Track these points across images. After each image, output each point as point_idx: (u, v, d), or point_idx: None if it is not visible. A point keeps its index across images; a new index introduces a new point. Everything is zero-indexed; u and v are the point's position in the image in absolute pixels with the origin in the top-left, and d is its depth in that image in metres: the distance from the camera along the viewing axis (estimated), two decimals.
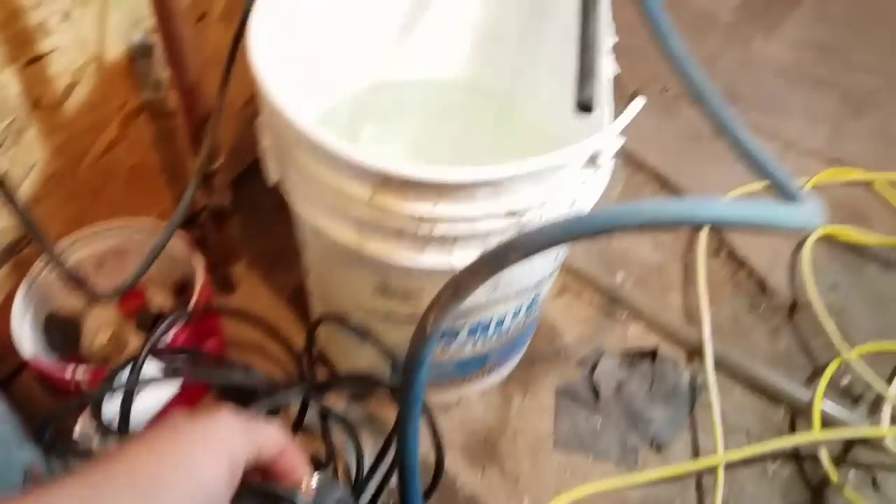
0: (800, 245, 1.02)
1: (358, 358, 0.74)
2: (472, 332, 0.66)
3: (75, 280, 0.52)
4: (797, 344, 0.91)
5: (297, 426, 0.76)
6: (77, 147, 0.68)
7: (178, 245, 0.75)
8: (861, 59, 1.37)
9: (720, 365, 0.86)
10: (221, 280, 0.87)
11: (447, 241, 0.52)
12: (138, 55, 0.68)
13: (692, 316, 0.92)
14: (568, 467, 0.78)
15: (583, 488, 0.75)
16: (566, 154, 0.48)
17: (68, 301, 0.76)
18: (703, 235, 1.01)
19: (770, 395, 0.85)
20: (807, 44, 1.40)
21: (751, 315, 0.94)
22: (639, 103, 0.53)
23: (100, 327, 0.77)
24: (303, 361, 0.76)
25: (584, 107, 0.56)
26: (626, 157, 1.14)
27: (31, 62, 0.58)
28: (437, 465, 0.62)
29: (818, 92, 1.30)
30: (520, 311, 0.68)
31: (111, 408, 0.57)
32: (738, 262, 1.00)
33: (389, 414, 0.79)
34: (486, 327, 0.66)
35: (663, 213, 0.30)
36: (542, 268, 0.63)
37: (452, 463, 0.76)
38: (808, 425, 0.81)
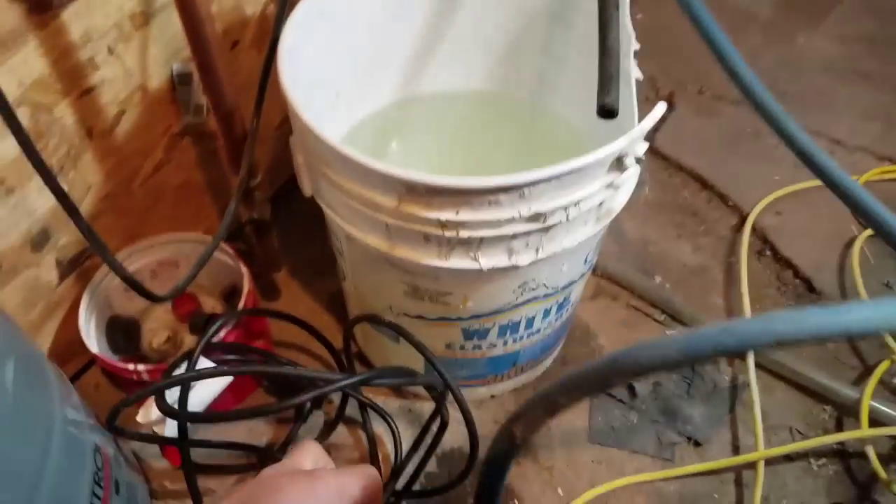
0: (849, 244, 0.99)
1: (393, 357, 0.77)
2: (502, 331, 0.68)
3: (136, 285, 0.56)
4: (845, 344, 0.89)
5: (339, 417, 0.79)
6: (127, 169, 0.73)
7: (225, 256, 0.79)
8: None
9: (763, 364, 0.85)
10: (266, 287, 0.91)
11: (472, 245, 0.54)
12: (179, 83, 0.72)
13: (734, 317, 0.91)
14: (603, 460, 0.78)
15: (617, 481, 0.75)
16: (589, 158, 0.50)
17: (128, 306, 0.82)
18: (746, 236, 0.99)
19: (815, 394, 0.83)
20: (854, 37, 1.37)
21: None
22: (661, 107, 0.54)
23: (157, 329, 0.82)
24: (342, 359, 0.79)
25: (607, 112, 0.57)
26: (664, 160, 1.14)
27: (82, 94, 0.63)
28: (472, 449, 0.64)
29: (867, 87, 1.26)
30: (550, 312, 0.69)
31: (170, 397, 0.62)
32: (783, 263, 0.98)
33: (424, 407, 0.81)
34: (516, 327, 0.68)
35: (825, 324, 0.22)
36: (570, 271, 0.64)
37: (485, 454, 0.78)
38: (856, 425, 0.79)
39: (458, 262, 0.56)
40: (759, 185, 1.07)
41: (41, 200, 0.64)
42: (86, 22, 0.60)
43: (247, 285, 0.75)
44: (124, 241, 0.76)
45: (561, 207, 0.52)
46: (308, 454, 0.39)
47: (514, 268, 0.56)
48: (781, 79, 1.28)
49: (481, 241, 0.54)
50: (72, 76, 0.62)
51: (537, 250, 0.56)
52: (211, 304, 0.86)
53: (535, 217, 0.52)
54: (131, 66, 0.67)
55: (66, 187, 0.64)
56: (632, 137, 0.51)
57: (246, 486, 0.34)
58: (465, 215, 0.51)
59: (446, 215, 0.51)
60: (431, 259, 0.56)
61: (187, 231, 0.80)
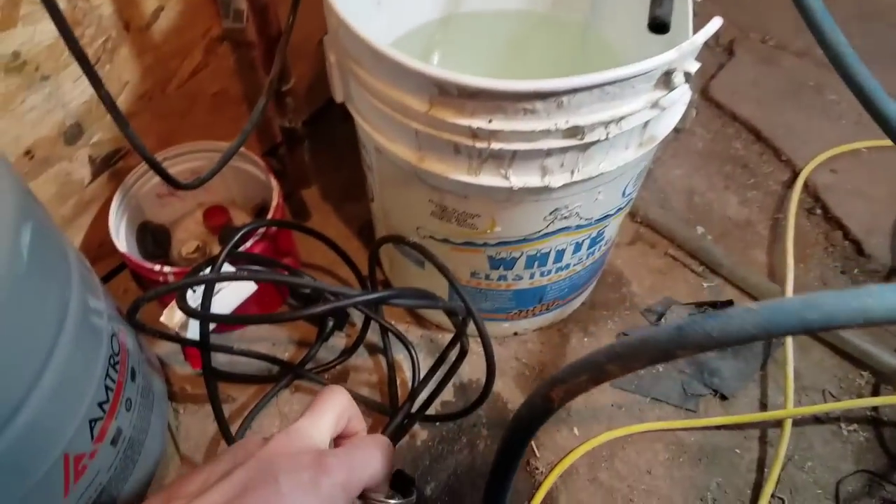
0: None
1: (418, 284, 0.75)
2: (530, 262, 0.66)
3: (162, 171, 0.56)
4: None
5: (360, 340, 0.79)
6: (165, 70, 0.72)
7: (257, 169, 0.78)
8: None
9: None
10: (297, 209, 0.90)
11: (504, 160, 0.52)
12: None
13: (776, 274, 0.87)
14: (623, 405, 0.76)
15: (636, 426, 0.74)
16: (634, 68, 0.46)
17: (159, 213, 0.82)
18: (797, 192, 0.95)
19: (854, 359, 0.79)
20: None
21: (842, 277, 0.88)
22: (717, 22, 0.50)
23: (187, 239, 0.83)
24: (367, 283, 0.79)
25: (659, 26, 0.54)
26: (718, 108, 1.08)
27: None
28: (489, 376, 0.63)
29: None
30: (581, 246, 0.67)
31: (193, 302, 0.62)
32: (833, 222, 0.93)
33: (445, 338, 0.81)
34: (545, 259, 0.66)
35: None
36: (606, 201, 0.61)
37: (505, 389, 0.77)
38: (894, 394, 0.76)
39: (488, 178, 0.53)
40: (816, 140, 1.02)
41: (76, 92, 0.63)
42: None
43: (276, 198, 0.74)
44: (158, 145, 0.76)
45: (601, 123, 0.49)
46: (330, 408, 0.36)
47: (547, 189, 0.54)
48: (854, 33, 1.19)
49: (514, 156, 0.51)
50: None
51: (573, 172, 0.53)
52: (242, 219, 0.86)
53: (573, 132, 0.49)
54: None
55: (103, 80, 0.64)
56: (682, 51, 0.47)
57: (244, 468, 0.31)
58: (499, 124, 0.48)
59: (478, 123, 0.48)
60: (461, 174, 0.54)
61: (221, 141, 0.79)
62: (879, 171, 0.98)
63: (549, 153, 0.51)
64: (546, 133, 0.49)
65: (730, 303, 0.83)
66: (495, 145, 0.50)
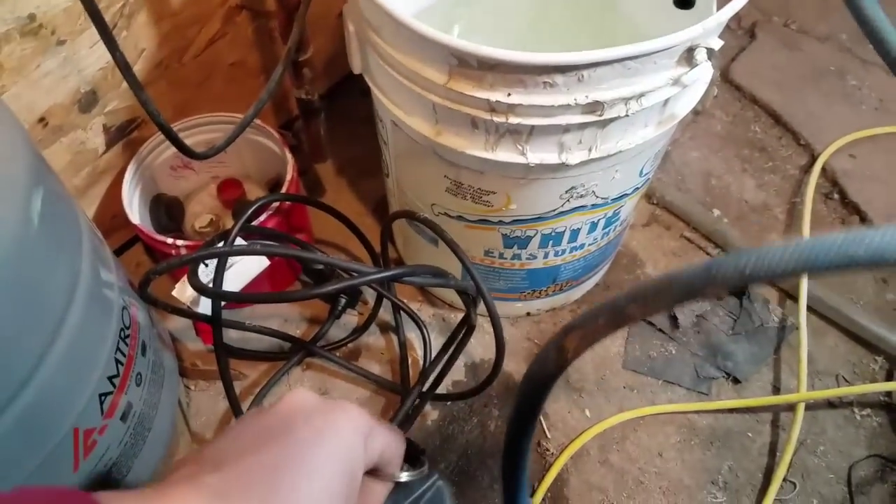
0: None
1: (431, 262, 0.75)
2: (544, 241, 0.65)
3: (176, 140, 0.56)
4: None
5: (372, 318, 0.79)
6: (182, 38, 0.71)
7: (271, 142, 0.78)
8: None
9: (817, 308, 0.81)
10: (311, 184, 0.90)
11: (521, 135, 0.51)
12: None
13: None
14: (635, 387, 0.76)
15: (648, 408, 0.73)
16: (656, 43, 0.45)
17: (173, 186, 0.82)
18: (814, 176, 0.93)
19: (869, 344, 0.79)
20: None
21: None
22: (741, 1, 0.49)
23: (201, 212, 0.82)
24: (380, 260, 0.79)
25: (684, 1, 0.53)
26: (738, 91, 1.07)
27: None
28: (498, 353, 0.63)
29: None
30: (596, 226, 0.66)
31: (205, 277, 0.62)
32: (850, 208, 0.92)
33: (457, 317, 0.80)
34: (559, 239, 0.65)
35: None
36: (624, 180, 0.61)
37: (516, 370, 0.77)
38: None
39: (505, 154, 0.53)
40: (836, 125, 1.00)
41: (92, 58, 0.63)
42: None
43: (290, 172, 0.74)
44: (173, 116, 0.75)
45: (621, 99, 0.48)
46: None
47: (564, 166, 0.53)
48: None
49: (531, 132, 0.51)
50: None
51: (591, 149, 0.52)
52: (256, 193, 0.86)
53: (593, 107, 0.48)
54: None
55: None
56: (706, 27, 0.46)
57: (264, 425, 0.30)
58: (517, 97, 0.47)
59: (497, 96, 0.48)
60: (477, 149, 0.53)
61: (238, 113, 0.79)
62: None
63: (567, 129, 0.50)
64: (565, 108, 0.48)
65: (744, 288, 0.82)
66: (513, 120, 0.49)
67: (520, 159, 0.53)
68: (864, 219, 0.90)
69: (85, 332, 0.45)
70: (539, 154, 0.53)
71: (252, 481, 0.27)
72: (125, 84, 0.65)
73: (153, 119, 0.52)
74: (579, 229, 0.65)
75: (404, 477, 0.35)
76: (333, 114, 0.93)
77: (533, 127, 0.50)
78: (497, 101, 0.48)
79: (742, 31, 1.17)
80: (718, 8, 0.54)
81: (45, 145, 0.64)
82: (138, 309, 0.59)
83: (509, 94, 0.47)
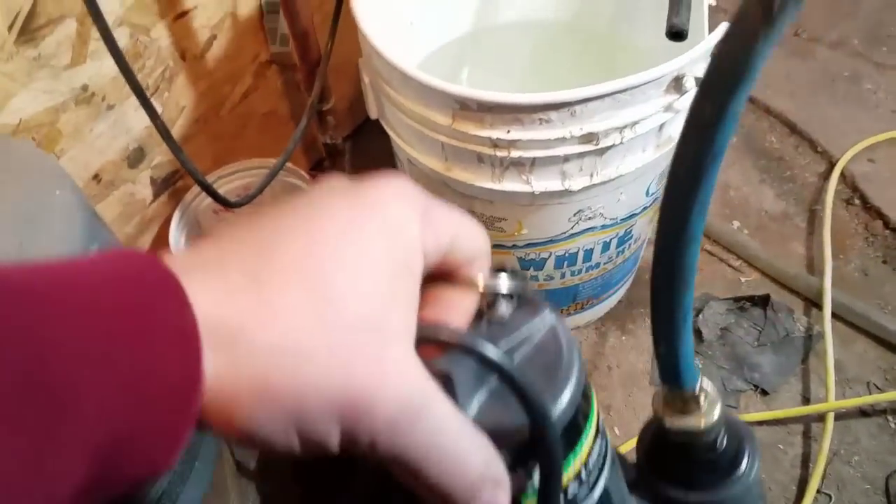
0: None
1: None
2: (559, 262, 0.68)
3: (212, 192, 0.62)
4: None
5: None
6: (218, 94, 0.78)
7: (301, 182, 0.84)
8: None
9: (843, 314, 0.81)
10: None
11: (524, 166, 0.55)
12: (267, 11, 0.76)
13: (815, 267, 0.87)
14: None
15: None
16: (641, 77, 0.49)
17: (216, 227, 0.88)
18: (833, 182, 0.94)
19: None
20: None
21: (884, 267, 0.87)
22: (725, 27, 0.52)
23: None
24: None
25: (676, 34, 0.56)
26: (751, 102, 1.08)
27: (177, 18, 0.68)
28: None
29: None
30: (609, 245, 0.69)
31: None
32: (872, 212, 0.92)
33: None
34: (574, 259, 0.69)
35: None
36: (630, 201, 0.64)
37: None
38: None
39: (511, 184, 0.57)
40: (853, 131, 1.00)
41: (137, 119, 0.70)
42: None
43: None
44: (214, 165, 0.82)
45: (615, 129, 0.52)
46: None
47: (568, 192, 0.57)
48: (889, 21, 1.18)
49: (533, 163, 0.55)
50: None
51: (591, 175, 0.56)
52: None
53: (588, 138, 0.52)
54: None
55: (160, 107, 0.70)
56: (692, 57, 0.50)
57: (295, 198, 0.21)
58: (516, 133, 0.51)
59: (497, 133, 0.52)
60: (485, 181, 0.57)
61: (271, 158, 0.85)
62: None
63: (566, 159, 0.54)
64: (562, 140, 0.52)
65: (767, 298, 0.84)
66: (515, 153, 0.53)
67: (525, 188, 0.56)
68: (886, 223, 0.90)
69: None
70: (543, 182, 0.56)
71: (290, 267, 0.19)
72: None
73: (193, 177, 0.58)
74: (592, 249, 0.69)
75: (500, 287, 0.23)
76: (358, 151, 0.99)
77: (534, 159, 0.54)
78: (498, 138, 0.52)
79: None
80: (710, 31, 0.57)
81: (98, 199, 0.70)
82: None
83: (509, 132, 0.52)
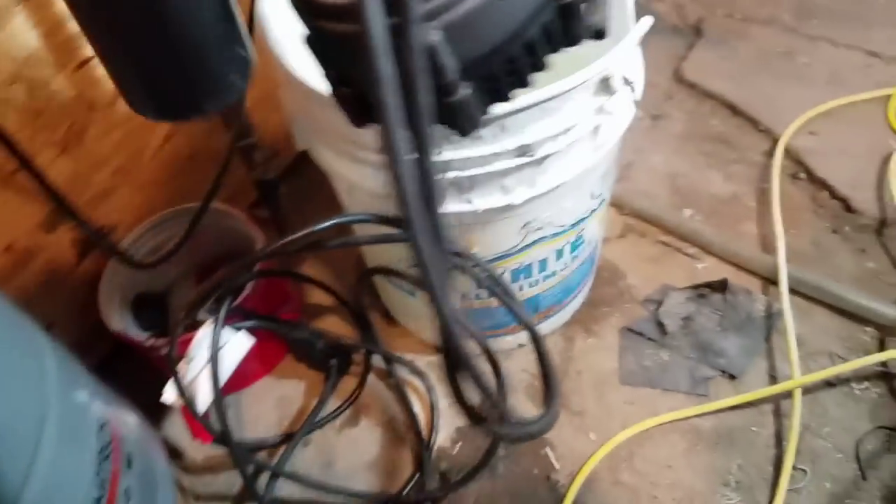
0: (886, 159, 0.93)
1: (413, 312, 0.77)
2: (515, 276, 0.66)
3: (124, 257, 0.58)
4: (888, 262, 0.84)
5: (364, 379, 0.80)
6: (136, 142, 0.74)
7: (240, 223, 0.80)
8: None
9: (799, 289, 0.81)
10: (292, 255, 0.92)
11: (464, 185, 0.53)
12: None
13: (768, 245, 0.87)
14: (635, 401, 0.77)
15: (651, 420, 0.74)
16: (566, 83, 0.47)
17: (154, 283, 0.84)
18: (778, 159, 0.94)
19: (856, 316, 0.79)
20: None
21: (834, 237, 0.87)
22: (647, 21, 0.51)
23: (183, 304, 0.84)
24: (357, 315, 0.80)
25: (595, 33, 0.55)
26: (691, 88, 1.09)
27: (79, 67, 0.64)
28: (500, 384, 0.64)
29: None
30: (563, 252, 0.67)
31: (195, 366, 0.63)
32: (818, 184, 0.93)
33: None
34: (529, 271, 0.67)
35: None
36: (576, 206, 0.62)
37: (518, 403, 0.78)
38: None
39: (453, 204, 0.54)
40: (792, 106, 1.01)
41: (52, 175, 0.65)
42: None
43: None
44: (147, 213, 0.78)
45: (549, 138, 0.50)
46: None
47: (511, 206, 0.55)
48: None
49: (472, 181, 0.52)
50: (65, 48, 0.62)
51: (532, 185, 0.54)
52: None
53: (523, 150, 0.50)
54: None
55: (70, 165, 0.66)
56: (614, 57, 0.48)
57: None
58: (449, 154, 0.49)
59: None
60: None
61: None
62: (857, 126, 0.98)
63: (505, 173, 0.52)
64: (497, 155, 0.50)
65: (724, 282, 0.83)
66: (450, 174, 0.51)
67: (468, 207, 0.54)
68: (832, 193, 0.91)
69: (61, 462, 0.45)
70: (485, 199, 0.54)
71: None
72: (89, 195, 0.68)
73: (101, 247, 0.54)
74: (546, 258, 0.67)
75: None
76: (306, 183, 0.95)
77: (472, 177, 0.52)
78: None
79: (688, 29, 1.19)
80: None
81: (15, 273, 0.65)
82: (121, 420, 0.59)
83: (440, 151, 0.49)
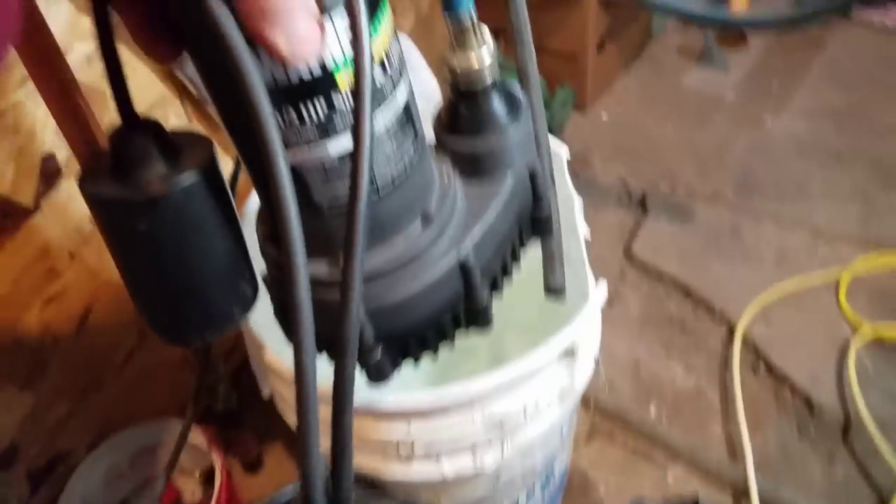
0: (844, 350, 0.95)
1: None
2: None
3: None
4: (856, 471, 0.83)
5: None
6: (99, 364, 0.73)
7: (202, 441, 0.77)
8: (886, 121, 1.30)
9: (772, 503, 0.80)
10: (248, 463, 0.88)
11: (432, 455, 0.52)
12: None
13: (735, 449, 0.87)
14: None
15: None
16: (531, 362, 0.48)
17: (113, 497, 0.79)
18: (737, 350, 0.96)
19: None
20: (822, 112, 1.35)
21: (801, 442, 0.87)
22: (602, 288, 0.52)
23: None
24: None
25: (555, 292, 0.56)
26: (643, 269, 1.11)
27: (47, 303, 0.64)
28: None
29: (842, 166, 1.23)
30: (534, 490, 0.66)
31: None
32: (778, 378, 0.94)
33: None
34: None
35: None
36: (546, 451, 0.62)
37: None
38: None
39: (421, 471, 0.53)
40: (744, 289, 1.04)
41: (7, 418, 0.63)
42: (43, 236, 0.61)
43: (219, 478, 0.73)
44: (110, 429, 0.76)
45: (517, 410, 0.50)
46: None
47: (481, 471, 0.54)
48: (755, 166, 1.26)
49: (439, 452, 0.52)
50: (33, 288, 0.63)
51: (503, 449, 0.53)
52: (191, 489, 0.84)
53: (491, 419, 0.50)
54: (94, 264, 0.68)
55: (33, 398, 0.65)
56: (575, 331, 0.49)
57: None
58: (418, 429, 0.49)
59: (400, 432, 0.49)
60: (394, 471, 0.53)
61: (167, 412, 0.80)
62: (811, 313, 1.01)
63: (474, 444, 0.51)
64: (464, 428, 0.49)
65: (696, 499, 0.82)
66: (419, 446, 0.50)
67: (436, 476, 0.53)
68: (793, 389, 0.92)
69: None
70: (455, 464, 0.53)
71: None
72: (45, 426, 0.66)
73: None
74: (518, 498, 0.65)
75: None
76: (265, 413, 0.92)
77: (439, 449, 0.51)
78: (399, 440, 0.49)
79: (634, 205, 1.22)
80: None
81: None
82: None
83: (409, 425, 0.49)
